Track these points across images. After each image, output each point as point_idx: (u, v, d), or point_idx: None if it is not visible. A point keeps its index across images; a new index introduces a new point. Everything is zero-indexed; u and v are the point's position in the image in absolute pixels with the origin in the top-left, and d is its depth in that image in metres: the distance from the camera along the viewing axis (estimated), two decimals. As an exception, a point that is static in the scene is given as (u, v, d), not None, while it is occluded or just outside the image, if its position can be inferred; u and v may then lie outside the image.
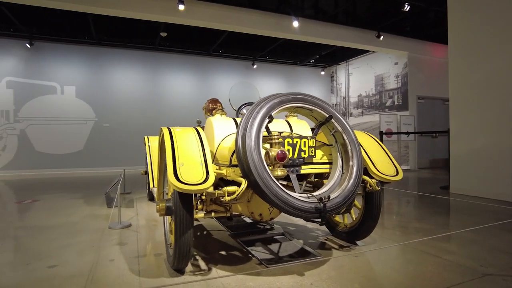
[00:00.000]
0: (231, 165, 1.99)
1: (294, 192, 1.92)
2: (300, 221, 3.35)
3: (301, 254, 2.35)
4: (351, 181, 1.95)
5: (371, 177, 2.25)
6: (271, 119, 1.92)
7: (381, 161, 2.26)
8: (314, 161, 2.17)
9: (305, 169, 2.12)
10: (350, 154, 2.03)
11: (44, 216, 3.74)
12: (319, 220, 1.82)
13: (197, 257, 2.36)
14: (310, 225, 3.24)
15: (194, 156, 1.83)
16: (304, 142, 2.08)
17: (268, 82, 11.45)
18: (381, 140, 6.61)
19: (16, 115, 8.62)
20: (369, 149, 2.33)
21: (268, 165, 1.86)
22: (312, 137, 2.12)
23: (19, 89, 8.63)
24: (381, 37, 8.01)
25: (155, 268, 2.14)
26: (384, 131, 8.11)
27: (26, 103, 8.68)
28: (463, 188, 4.80)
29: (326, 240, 2.72)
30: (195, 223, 3.39)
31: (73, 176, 8.17)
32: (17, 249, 2.59)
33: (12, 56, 8.53)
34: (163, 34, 8.48)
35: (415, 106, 8.97)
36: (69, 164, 8.90)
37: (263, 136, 1.93)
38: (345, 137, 2.07)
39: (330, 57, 11.10)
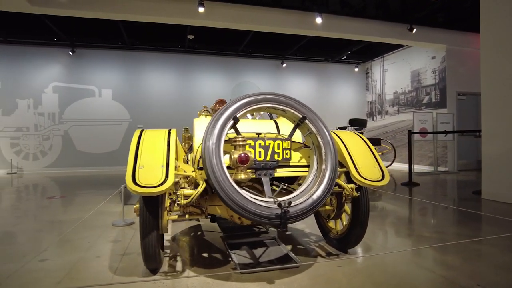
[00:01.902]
0: (198, 168, 1.96)
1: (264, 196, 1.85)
2: (297, 226, 3.24)
3: (282, 260, 2.27)
4: (322, 186, 1.83)
5: (353, 182, 2.11)
6: (236, 120, 1.86)
7: (366, 165, 2.10)
8: (290, 164, 2.08)
9: (280, 172, 2.04)
10: (323, 157, 1.91)
11: (62, 211, 4.01)
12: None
13: (178, 257, 2.38)
14: (308, 229, 3.12)
15: (157, 159, 1.84)
16: (278, 144, 1.99)
17: (298, 81, 11.26)
18: (410, 140, 6.18)
19: (61, 117, 9.37)
20: (355, 152, 2.18)
21: (232, 168, 1.82)
22: (286, 139, 2.03)
23: (63, 93, 9.38)
24: (414, 30, 7.47)
25: (132, 266, 2.19)
26: (413, 131, 7.57)
27: (69, 106, 9.40)
28: (496, 194, 4.32)
29: (317, 246, 2.59)
30: (194, 223, 3.43)
31: (108, 174, 8.69)
32: (24, 241, 2.80)
33: (57, 63, 9.29)
34: (190, 37, 8.70)
35: (455, 103, 8.26)
36: (106, 162, 9.48)
37: (231, 139, 1.88)
38: (319, 139, 1.95)
39: (364, 53, 10.62)
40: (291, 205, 1.73)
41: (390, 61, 10.31)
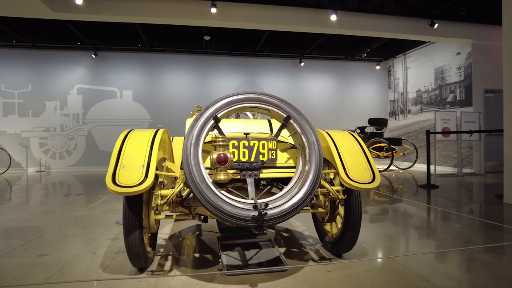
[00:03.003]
0: (181, 168, 1.96)
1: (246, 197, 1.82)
2: (297, 228, 3.18)
3: (272, 263, 2.22)
4: (304, 188, 1.77)
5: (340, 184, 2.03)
6: (217, 120, 1.84)
7: (356, 166, 2.01)
8: (277, 165, 2.03)
9: (265, 173, 2.00)
10: (307, 158, 1.85)
11: (74, 208, 4.17)
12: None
13: (170, 257, 2.39)
14: (307, 232, 3.05)
15: (138, 159, 1.85)
16: (263, 144, 1.96)
17: (317, 80, 11.09)
18: (428, 140, 5.90)
19: (84, 117, 9.77)
20: (346, 152, 2.09)
21: (212, 169, 1.80)
22: (272, 139, 1.98)
23: (86, 94, 9.78)
24: (436, 25, 7.13)
25: (123, 264, 2.22)
26: (435, 131, 7.22)
27: (92, 107, 9.79)
28: (520, 198, 4.02)
29: (312, 250, 2.52)
30: (196, 223, 3.45)
31: (128, 172, 8.95)
32: (29, 236, 2.92)
33: (81, 66, 9.70)
34: (207, 38, 8.80)
35: (482, 101, 7.80)
36: (127, 161, 9.78)
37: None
38: (304, 139, 1.89)
39: (386, 50, 10.29)
40: (270, 207, 1.69)
41: (412, 58, 9.92)
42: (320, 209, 2.31)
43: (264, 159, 1.95)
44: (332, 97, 11.09)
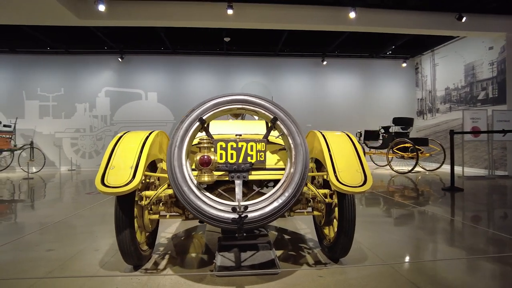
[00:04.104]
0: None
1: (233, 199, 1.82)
2: (300, 230, 3.13)
3: (265, 266, 2.20)
4: (287, 191, 1.74)
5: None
6: (203, 122, 1.86)
7: (347, 168, 1.95)
8: (267, 167, 2.02)
9: (255, 175, 1.99)
10: (293, 160, 1.82)
11: (91, 206, 4.36)
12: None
13: (167, 256, 2.44)
14: (310, 235, 2.99)
15: (128, 160, 1.91)
16: (251, 146, 1.94)
17: (341, 79, 10.86)
18: (451, 141, 5.58)
19: (112, 119, 10.21)
20: (338, 154, 2.03)
21: (197, 170, 1.82)
22: (261, 141, 1.96)
23: (114, 96, 10.21)
24: (464, 19, 6.73)
25: (121, 262, 2.28)
26: (463, 130, 6.82)
27: (118, 109, 10.21)
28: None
29: (310, 254, 2.47)
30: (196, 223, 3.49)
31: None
32: (44, 232, 3.10)
33: (108, 69, 10.15)
34: (227, 39, 8.88)
35: (517, 99, 7.28)
36: (151, 161, 10.11)
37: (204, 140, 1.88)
38: (290, 141, 1.86)
39: (412, 47, 9.86)
40: (251, 210, 1.68)
41: (441, 54, 9.44)
42: (315, 212, 2.27)
43: (253, 161, 1.93)
44: (356, 96, 10.82)
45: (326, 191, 2.00)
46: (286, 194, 1.73)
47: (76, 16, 6.20)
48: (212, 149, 1.88)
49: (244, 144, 1.93)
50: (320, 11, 6.70)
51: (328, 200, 1.98)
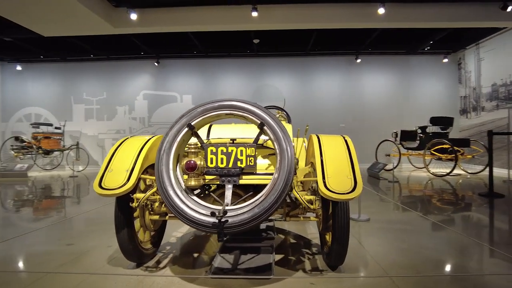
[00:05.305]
0: None
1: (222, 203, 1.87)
2: (308, 235, 3.08)
3: (260, 269, 2.22)
4: (270, 196, 1.75)
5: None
6: (191, 128, 1.92)
7: (337, 174, 1.90)
8: (257, 171, 2.03)
9: (245, 180, 2.02)
10: (277, 166, 1.82)
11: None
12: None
13: (170, 255, 2.55)
14: (316, 240, 2.94)
15: (125, 163, 2.02)
16: (241, 150, 1.98)
17: (376, 77, 10.43)
18: (490, 142, 5.13)
19: (149, 120, 10.75)
20: (329, 158, 1.98)
21: (185, 175, 1.88)
22: (250, 145, 1.99)
23: (151, 99, 10.73)
24: (509, 8, 6.14)
25: (125, 259, 2.43)
26: (510, 130, 6.23)
27: (155, 111, 10.72)
28: None
29: (310, 259, 2.44)
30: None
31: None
32: (70, 227, 3.38)
33: (145, 73, 10.70)
34: (256, 41, 8.94)
35: None
36: (184, 161, 10.49)
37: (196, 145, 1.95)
38: (276, 146, 1.86)
39: (454, 41, 9.20)
40: (232, 215, 1.71)
41: (487, 48, 8.70)
42: (312, 218, 2.24)
43: (242, 166, 1.96)
44: (393, 95, 10.33)
45: (313, 197, 1.97)
46: (269, 200, 1.74)
47: (111, 25, 6.63)
48: (200, 155, 1.94)
49: (234, 148, 1.96)
50: (347, 8, 6.51)
51: (313, 206, 1.95)
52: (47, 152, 9.52)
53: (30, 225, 3.52)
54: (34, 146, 9.21)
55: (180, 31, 7.33)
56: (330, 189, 1.83)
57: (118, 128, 10.73)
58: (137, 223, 2.23)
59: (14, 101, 10.86)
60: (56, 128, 10.03)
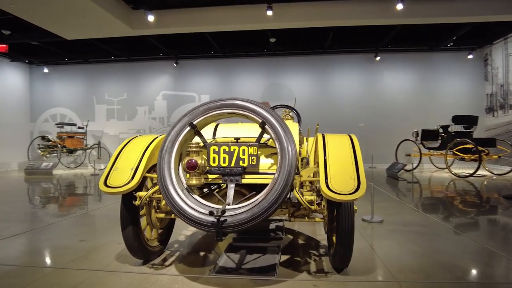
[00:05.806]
0: None
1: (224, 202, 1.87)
2: (317, 236, 3.03)
3: (264, 270, 2.20)
4: (270, 196, 1.73)
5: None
6: (193, 127, 1.93)
7: (339, 174, 1.85)
8: (260, 170, 2.02)
9: (248, 179, 2.00)
10: (278, 165, 1.79)
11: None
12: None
13: (177, 253, 2.58)
14: (325, 241, 2.88)
15: (131, 162, 2.06)
16: (243, 150, 1.97)
17: (396, 75, 10.16)
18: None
19: (169, 120, 10.95)
20: (333, 158, 1.94)
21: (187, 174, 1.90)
22: (253, 145, 1.97)
23: (170, 99, 10.93)
24: (538, 0, 5.81)
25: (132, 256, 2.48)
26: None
27: (174, 111, 10.90)
28: None
29: (316, 261, 2.39)
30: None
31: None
32: (87, 223, 3.48)
33: (164, 74, 10.90)
34: (272, 40, 8.91)
35: None
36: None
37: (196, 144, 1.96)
38: (277, 145, 1.83)
39: (480, 36, 8.80)
40: (231, 214, 1.70)
41: (516, 43, 8.26)
42: (317, 219, 2.20)
43: (244, 165, 1.95)
44: (414, 93, 10.02)
45: (314, 197, 1.93)
46: (268, 200, 1.72)
47: (130, 27, 6.80)
48: (202, 154, 1.95)
49: (236, 148, 1.95)
50: (365, 5, 6.35)
51: (314, 207, 1.91)
52: (71, 151, 9.89)
53: (50, 219, 3.66)
54: (59, 145, 9.59)
55: (196, 32, 7.41)
56: (332, 189, 1.79)
57: (139, 127, 10.99)
58: (143, 221, 2.27)
59: (42, 102, 11.36)
60: (79, 127, 10.40)
